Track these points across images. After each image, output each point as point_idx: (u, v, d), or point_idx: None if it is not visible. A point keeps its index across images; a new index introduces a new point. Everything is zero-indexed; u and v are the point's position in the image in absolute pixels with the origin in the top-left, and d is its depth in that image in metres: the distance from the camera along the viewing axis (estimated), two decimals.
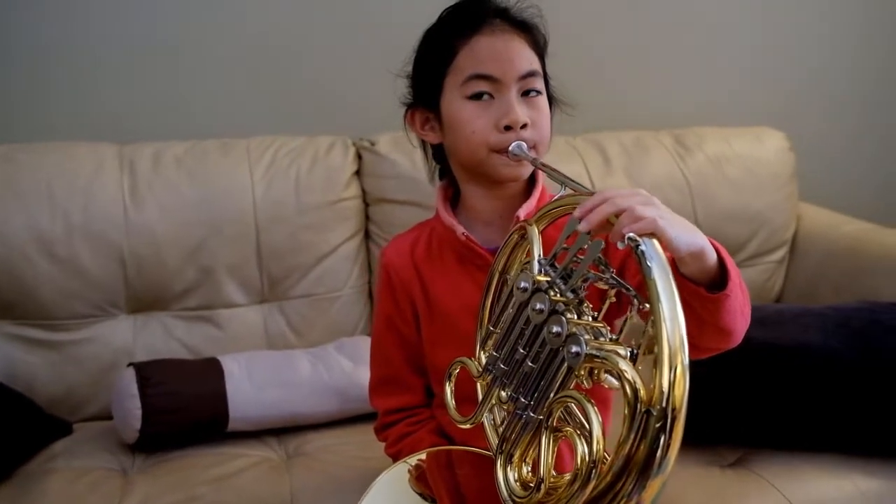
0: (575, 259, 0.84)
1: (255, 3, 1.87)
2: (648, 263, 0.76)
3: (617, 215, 0.80)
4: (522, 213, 1.07)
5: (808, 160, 2.07)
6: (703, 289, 0.86)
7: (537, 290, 0.86)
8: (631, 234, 0.77)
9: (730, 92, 2.21)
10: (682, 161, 1.92)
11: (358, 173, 1.78)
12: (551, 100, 1.11)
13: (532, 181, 1.12)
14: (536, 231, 0.93)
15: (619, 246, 0.78)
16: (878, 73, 2.32)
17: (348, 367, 1.56)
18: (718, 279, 0.87)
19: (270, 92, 1.91)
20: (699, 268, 0.85)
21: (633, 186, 1.86)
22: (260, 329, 1.69)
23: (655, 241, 0.77)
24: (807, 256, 1.97)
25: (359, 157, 1.79)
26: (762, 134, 2.02)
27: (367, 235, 1.79)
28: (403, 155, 1.76)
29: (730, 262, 0.88)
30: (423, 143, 1.18)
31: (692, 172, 1.90)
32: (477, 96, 1.04)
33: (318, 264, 1.71)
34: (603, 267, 0.82)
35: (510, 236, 0.98)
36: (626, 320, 0.82)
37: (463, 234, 1.08)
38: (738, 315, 0.90)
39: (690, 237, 0.82)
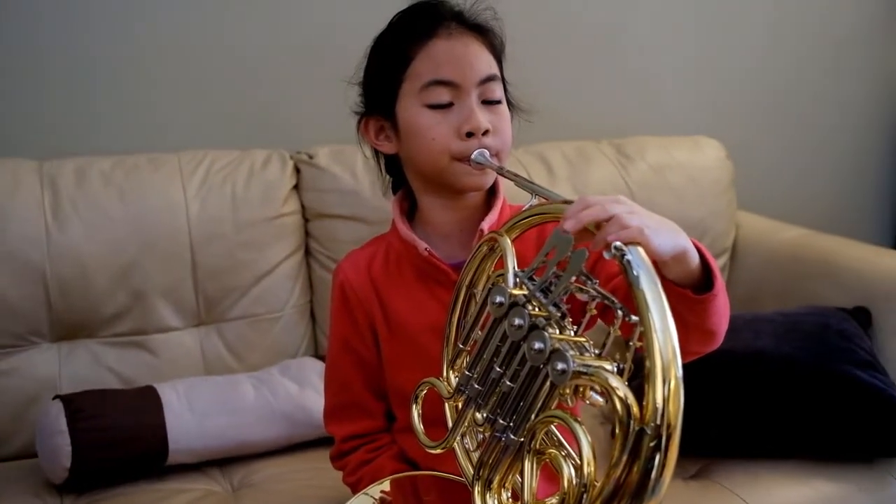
0: (555, 271, 0.80)
1: (180, 9, 1.77)
2: (635, 273, 0.73)
3: (598, 224, 0.76)
4: (486, 225, 1.03)
5: (741, 170, 2.08)
6: (689, 291, 0.83)
7: (514, 304, 0.82)
8: (617, 244, 0.73)
9: (662, 102, 2.22)
10: (624, 170, 1.91)
11: (297, 188, 1.71)
12: (510, 106, 1.07)
13: (492, 192, 1.08)
14: (509, 242, 0.88)
15: (605, 255, 0.74)
16: (808, 84, 2.37)
17: (294, 390, 1.49)
18: (702, 280, 0.84)
19: (198, 102, 1.81)
20: (683, 270, 0.83)
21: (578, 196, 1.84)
22: (197, 353, 1.60)
23: (641, 250, 0.74)
24: (747, 264, 1.98)
25: (297, 170, 1.72)
26: (700, 142, 2.03)
27: (308, 252, 1.72)
28: (344, 168, 1.70)
29: (713, 262, 0.85)
30: (377, 154, 1.12)
31: (635, 181, 1.90)
32: (437, 105, 0.99)
33: (257, 284, 1.63)
34: (585, 278, 0.78)
35: (478, 248, 0.93)
36: (609, 334, 0.78)
37: (426, 249, 1.03)
38: (723, 315, 0.88)
39: (674, 241, 0.80)
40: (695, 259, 0.82)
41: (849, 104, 2.43)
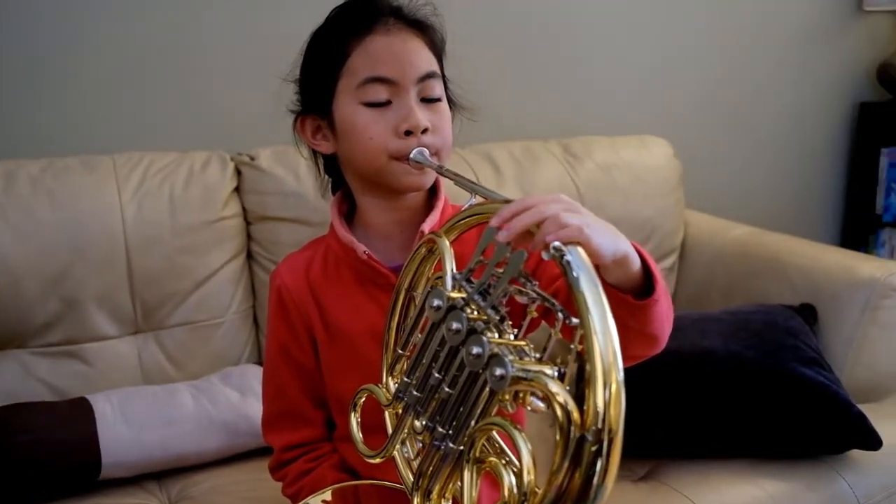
0: (493, 272, 0.77)
1: (113, 7, 1.71)
2: (575, 274, 0.70)
3: (539, 224, 0.74)
4: (427, 226, 1.00)
5: (687, 168, 2.08)
6: (630, 296, 0.81)
7: (452, 307, 0.79)
8: (556, 244, 0.71)
9: (610, 102, 2.22)
10: (572, 169, 1.90)
11: (238, 190, 1.66)
12: (451, 104, 1.05)
13: (433, 192, 1.05)
14: (447, 243, 0.86)
15: (544, 256, 0.72)
16: (754, 82, 2.39)
17: (235, 398, 1.44)
18: (643, 284, 0.82)
19: (134, 103, 1.75)
20: (624, 274, 0.81)
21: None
22: (134, 363, 1.54)
23: (581, 250, 0.72)
24: (696, 262, 1.99)
25: (238, 172, 1.67)
26: (647, 141, 2.03)
27: (250, 256, 1.68)
28: (286, 170, 1.66)
29: (654, 266, 0.84)
30: (315, 154, 1.09)
31: (583, 181, 1.89)
32: (375, 103, 0.96)
33: (198, 289, 1.58)
34: (524, 280, 0.76)
35: (417, 250, 0.90)
36: (549, 337, 0.75)
37: (364, 252, 1.00)
38: (665, 320, 0.87)
39: (615, 243, 0.78)
40: (636, 263, 0.81)
41: (795, 102, 2.45)
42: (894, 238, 2.46)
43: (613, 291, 0.81)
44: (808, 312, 1.61)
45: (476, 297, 0.78)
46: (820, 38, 2.43)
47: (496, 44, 2.04)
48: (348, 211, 1.08)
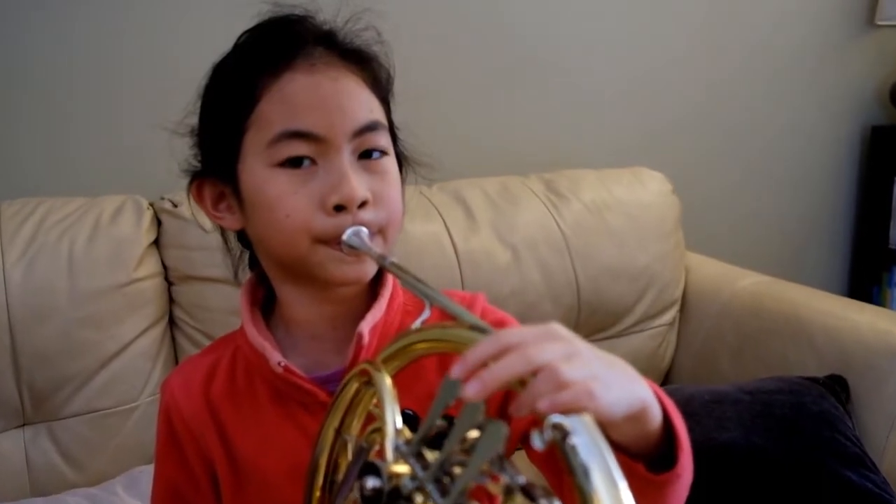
0: (458, 443, 0.50)
1: (10, 27, 1.44)
2: (584, 462, 0.46)
3: (523, 380, 0.48)
4: (366, 326, 0.73)
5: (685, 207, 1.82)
6: (642, 466, 0.58)
7: (395, 494, 0.52)
8: (556, 419, 0.45)
9: (596, 130, 1.96)
10: (556, 211, 1.63)
11: (157, 244, 1.40)
12: (401, 159, 0.78)
13: (377, 275, 0.77)
14: (388, 382, 0.58)
15: (536, 443, 0.46)
16: (753, 106, 2.15)
17: None
18: (660, 443, 0.59)
19: (34, 139, 1.48)
20: (638, 432, 0.57)
21: (503, 245, 1.55)
22: (19, 464, 1.28)
23: (589, 421, 0.48)
24: (700, 317, 1.73)
25: (158, 222, 1.41)
26: (641, 175, 1.77)
27: (173, 322, 1.41)
28: None
29: (679, 421, 0.60)
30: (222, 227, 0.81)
31: (569, 224, 1.62)
32: (293, 162, 0.69)
33: (104, 369, 1.32)
34: (500, 464, 0.49)
35: (346, 384, 0.63)
36: None
37: (280, 363, 0.73)
38: (685, 490, 0.62)
39: (631, 393, 0.54)
40: (655, 416, 0.57)
41: (800, 126, 2.23)
42: None
43: (620, 457, 0.55)
44: (838, 387, 1.35)
45: (430, 486, 0.51)
46: (827, 56, 2.20)
47: (464, 66, 1.79)
48: (266, 298, 0.81)
